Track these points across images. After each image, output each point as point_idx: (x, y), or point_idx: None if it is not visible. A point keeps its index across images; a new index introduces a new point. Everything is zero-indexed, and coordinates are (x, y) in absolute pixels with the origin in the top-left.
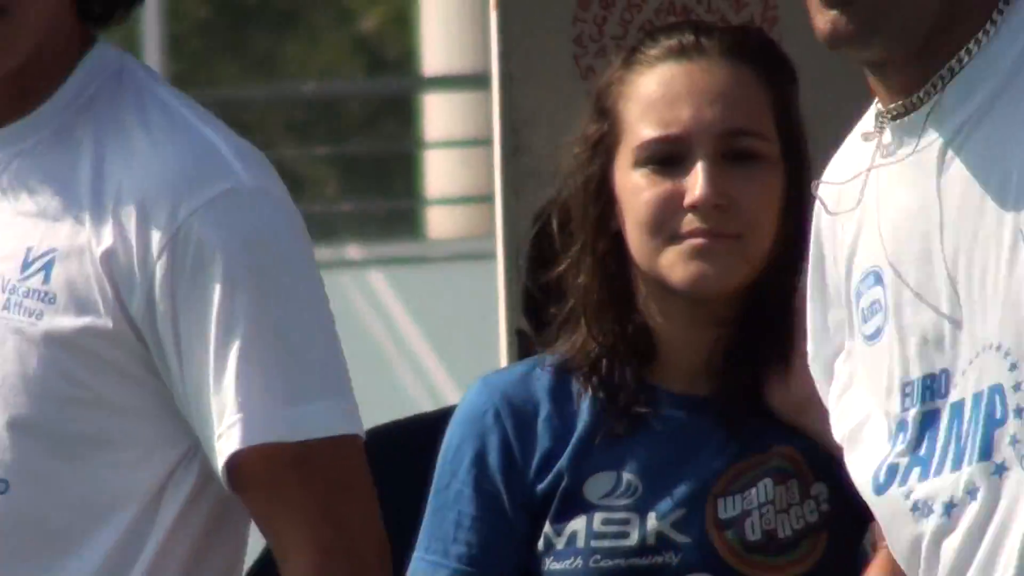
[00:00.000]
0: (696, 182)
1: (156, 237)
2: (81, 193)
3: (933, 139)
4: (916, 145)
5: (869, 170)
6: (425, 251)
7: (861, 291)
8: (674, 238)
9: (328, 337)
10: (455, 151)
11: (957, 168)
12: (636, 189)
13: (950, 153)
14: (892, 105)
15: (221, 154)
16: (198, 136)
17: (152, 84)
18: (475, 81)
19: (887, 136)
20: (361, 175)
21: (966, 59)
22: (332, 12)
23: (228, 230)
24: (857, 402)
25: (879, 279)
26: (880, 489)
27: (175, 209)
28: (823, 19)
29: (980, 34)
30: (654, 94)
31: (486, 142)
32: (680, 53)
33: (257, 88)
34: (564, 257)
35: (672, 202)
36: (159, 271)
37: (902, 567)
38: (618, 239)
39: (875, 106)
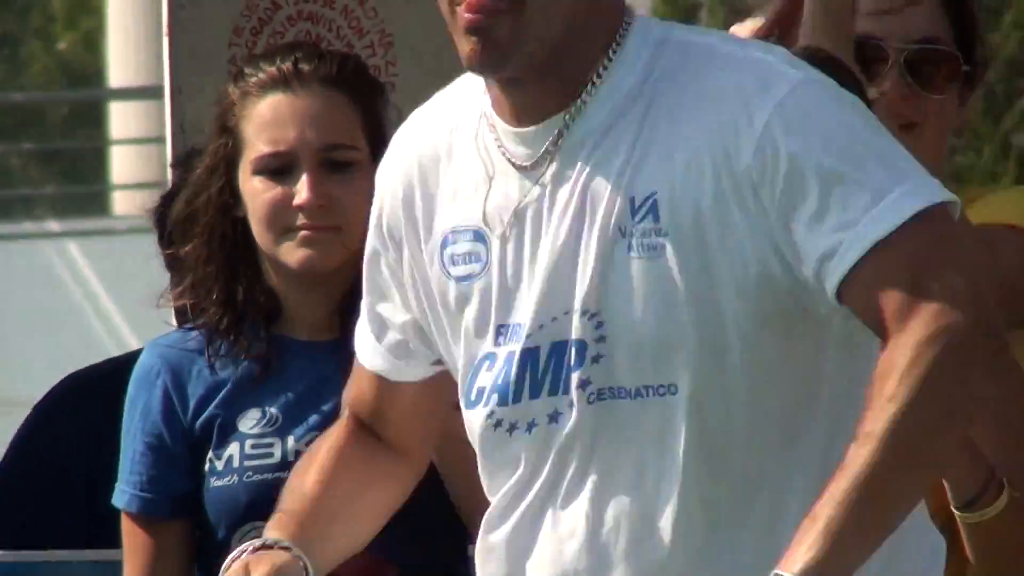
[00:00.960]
0: (303, 188)
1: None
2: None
3: (553, 150)
4: (539, 150)
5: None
6: (112, 226)
7: (451, 240)
8: (287, 231)
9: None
10: (136, 147)
11: (570, 175)
12: (255, 192)
13: (567, 164)
14: (520, 121)
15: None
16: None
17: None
18: (152, 92)
19: (507, 139)
20: (61, 166)
21: (586, 94)
22: (37, 35)
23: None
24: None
25: (481, 237)
26: (470, 405)
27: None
28: (465, 46)
29: (600, 68)
30: (266, 116)
31: (161, 140)
32: (284, 83)
33: None
34: (192, 239)
35: (284, 203)
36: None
37: (480, 458)
38: (244, 226)
39: (484, 118)
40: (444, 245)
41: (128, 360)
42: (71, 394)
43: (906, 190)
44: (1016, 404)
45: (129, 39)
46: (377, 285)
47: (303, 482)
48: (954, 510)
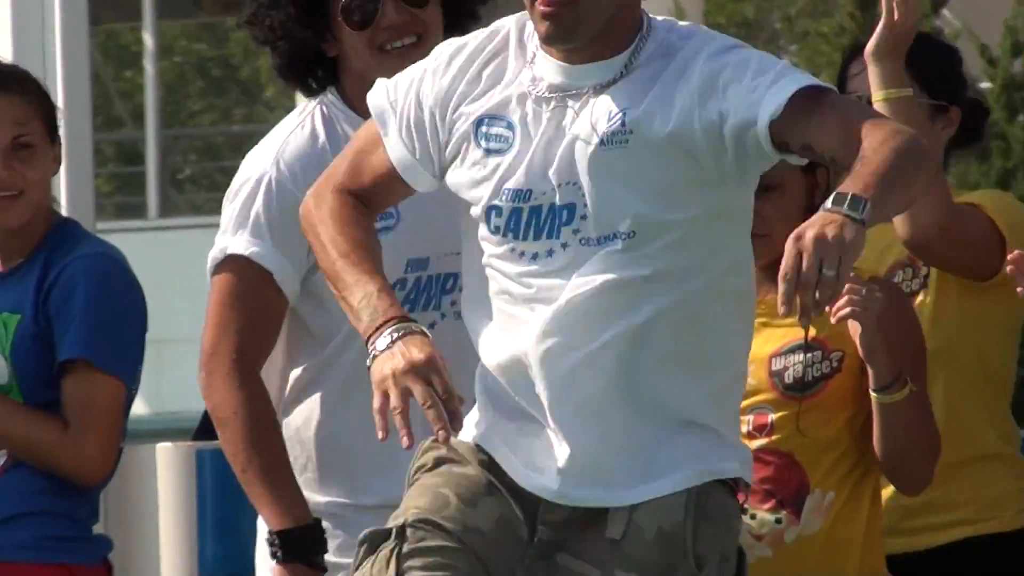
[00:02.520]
0: None
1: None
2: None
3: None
4: (578, 83)
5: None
6: None
7: (487, 122)
8: None
9: None
10: None
11: (587, 103)
12: None
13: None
14: (569, 60)
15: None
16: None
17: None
18: None
19: (552, 71)
20: None
21: (624, 55)
22: None
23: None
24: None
25: (511, 126)
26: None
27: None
28: (542, 26)
29: (630, 41)
30: None
31: None
32: None
33: None
34: None
35: None
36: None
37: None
38: None
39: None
40: (479, 123)
41: None
42: None
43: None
44: (903, 320)
45: None
46: (421, 119)
47: (356, 238)
48: (872, 393)
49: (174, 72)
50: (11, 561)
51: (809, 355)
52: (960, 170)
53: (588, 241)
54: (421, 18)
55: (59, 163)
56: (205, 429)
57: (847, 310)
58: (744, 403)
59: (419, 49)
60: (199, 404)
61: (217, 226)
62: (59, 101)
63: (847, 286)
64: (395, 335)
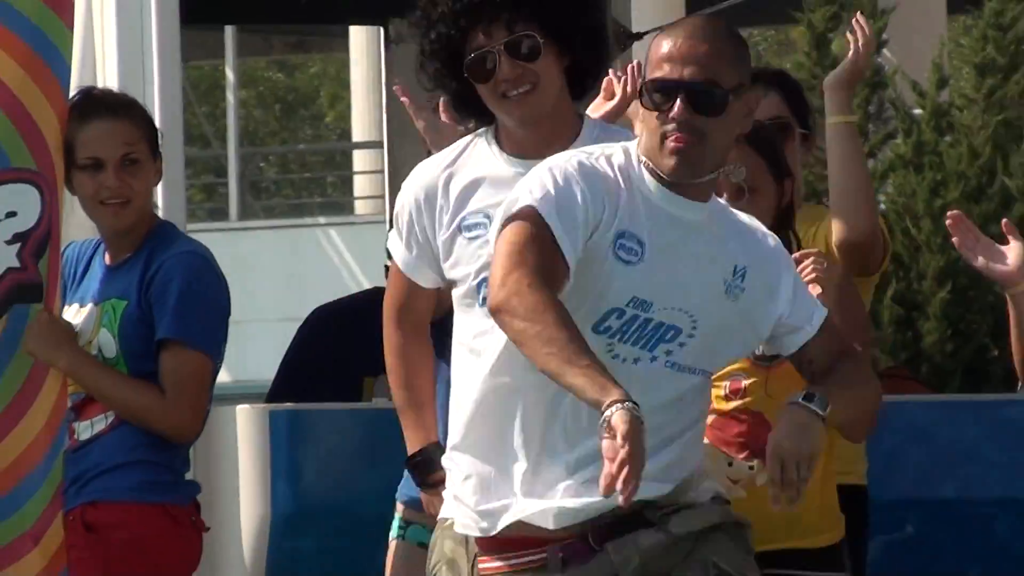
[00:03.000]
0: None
1: None
2: None
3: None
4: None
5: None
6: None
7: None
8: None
9: None
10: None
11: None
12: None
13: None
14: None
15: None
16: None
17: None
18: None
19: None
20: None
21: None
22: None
23: None
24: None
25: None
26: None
27: None
28: (668, 162)
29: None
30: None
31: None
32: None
33: None
34: None
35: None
36: None
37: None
38: None
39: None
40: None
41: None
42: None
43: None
44: (851, 296)
45: None
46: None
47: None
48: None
49: (252, 100)
50: (119, 501)
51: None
52: (898, 181)
53: (676, 366)
54: (533, 69)
55: (160, 176)
56: (275, 395)
57: (812, 276)
58: (722, 372)
59: (534, 95)
60: (271, 374)
61: (289, 227)
62: (157, 124)
63: (813, 256)
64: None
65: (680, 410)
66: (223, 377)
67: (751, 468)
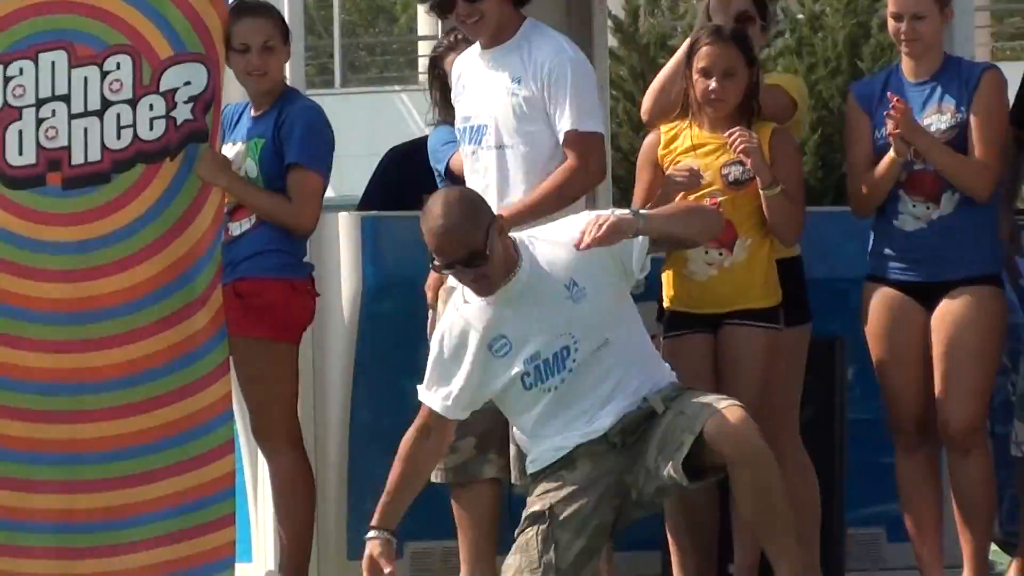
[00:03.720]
0: None
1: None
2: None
3: None
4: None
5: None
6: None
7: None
8: None
9: None
10: None
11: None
12: None
13: None
14: None
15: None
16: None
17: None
18: None
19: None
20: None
21: None
22: None
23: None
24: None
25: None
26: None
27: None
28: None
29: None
30: None
31: None
32: None
33: None
34: None
35: None
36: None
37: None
38: None
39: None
40: (492, 349)
41: (421, 140)
42: (397, 152)
43: None
44: (788, 156)
45: None
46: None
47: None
48: (760, 190)
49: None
50: (260, 277)
51: (741, 168)
52: (785, 63)
53: (586, 359)
54: (479, 8)
55: (288, 56)
56: (364, 205)
57: (742, 147)
58: (702, 192)
59: (481, 23)
60: (359, 191)
61: (374, 92)
62: (287, 19)
63: (738, 131)
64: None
65: (616, 363)
66: (328, 192)
67: (720, 255)
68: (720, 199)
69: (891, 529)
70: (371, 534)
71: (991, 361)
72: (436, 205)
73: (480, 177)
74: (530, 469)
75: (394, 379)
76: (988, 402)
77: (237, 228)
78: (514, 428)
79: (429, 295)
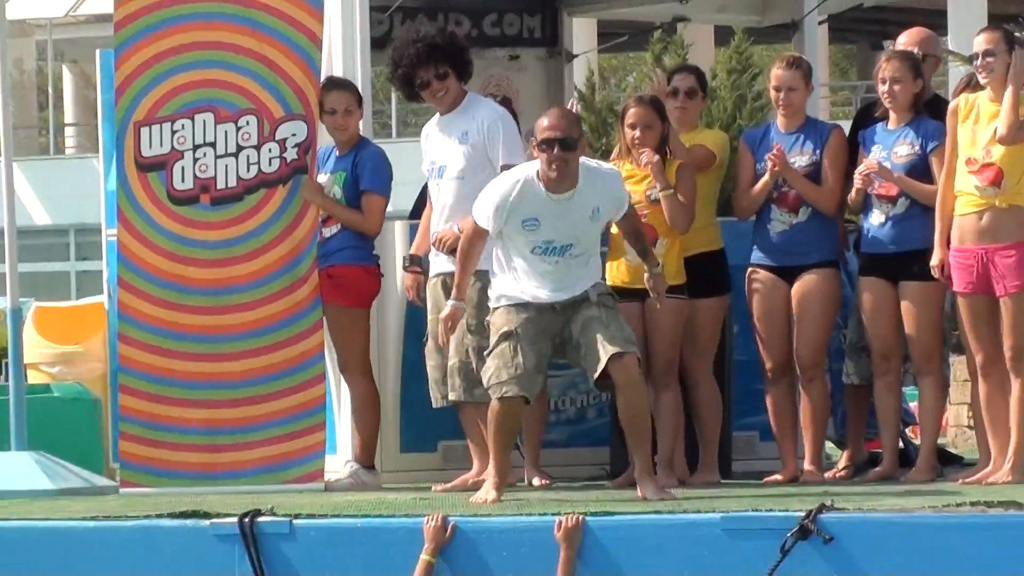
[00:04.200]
0: None
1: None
2: (470, 128)
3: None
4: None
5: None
6: None
7: (528, 220)
8: None
9: None
10: None
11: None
12: None
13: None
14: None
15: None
16: (490, 105)
17: (476, 96)
18: None
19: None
20: None
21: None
22: None
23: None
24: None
25: (536, 221)
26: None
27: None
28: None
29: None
30: None
31: None
32: None
33: None
34: None
35: None
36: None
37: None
38: None
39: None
40: (524, 222)
41: None
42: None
43: None
44: (686, 180)
45: None
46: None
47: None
48: (659, 193)
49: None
50: (344, 264)
51: (656, 191)
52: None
53: (575, 255)
54: (444, 84)
55: (361, 116)
56: (411, 217)
57: (646, 162)
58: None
59: (446, 95)
60: (408, 207)
61: (417, 142)
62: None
63: (646, 153)
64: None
65: (584, 265)
66: (388, 208)
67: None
68: (646, 212)
69: (762, 432)
70: (451, 303)
71: (830, 319)
72: (555, 110)
73: (439, 201)
74: (495, 304)
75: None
76: (827, 347)
77: (328, 232)
78: (495, 268)
79: (410, 295)
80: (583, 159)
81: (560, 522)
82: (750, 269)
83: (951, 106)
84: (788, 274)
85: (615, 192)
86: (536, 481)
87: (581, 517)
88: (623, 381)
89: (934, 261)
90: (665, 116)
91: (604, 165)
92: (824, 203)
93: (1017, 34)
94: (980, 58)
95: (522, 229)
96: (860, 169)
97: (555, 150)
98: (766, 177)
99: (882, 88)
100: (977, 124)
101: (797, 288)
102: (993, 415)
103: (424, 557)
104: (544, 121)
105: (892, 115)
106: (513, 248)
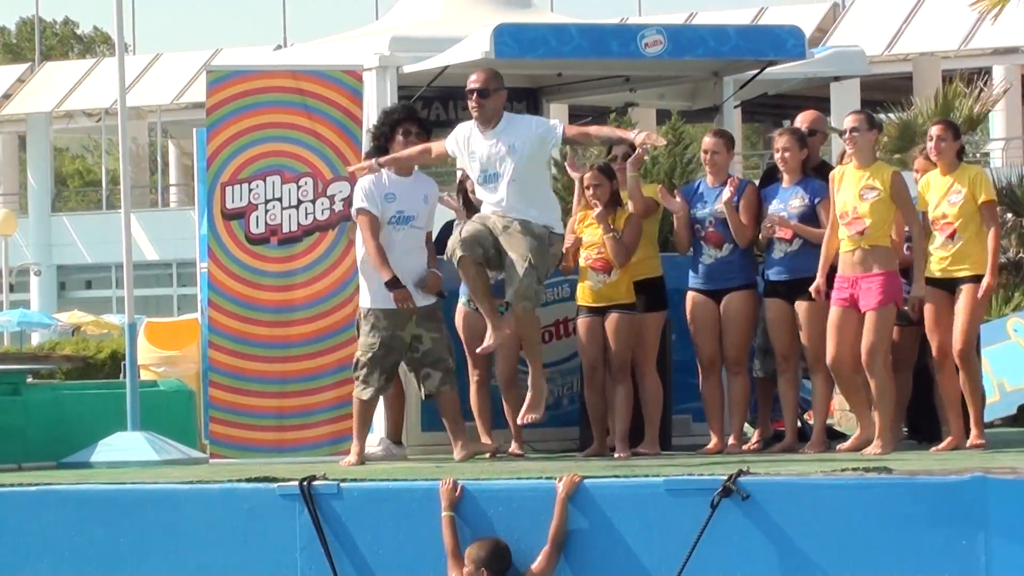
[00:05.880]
0: None
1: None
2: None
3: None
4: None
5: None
6: None
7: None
8: None
9: None
10: None
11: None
12: None
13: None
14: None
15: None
16: (527, 119)
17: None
18: None
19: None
20: None
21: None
22: None
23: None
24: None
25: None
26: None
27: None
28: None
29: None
30: None
31: None
32: None
33: None
34: None
35: None
36: None
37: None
38: None
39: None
40: (470, 155)
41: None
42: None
43: None
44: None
45: None
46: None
47: None
48: (604, 236)
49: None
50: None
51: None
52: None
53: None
54: (418, 142)
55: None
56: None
57: (596, 212)
58: (593, 247)
59: (423, 152)
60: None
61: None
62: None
63: (596, 212)
64: None
65: (516, 192)
66: None
67: (604, 276)
68: (602, 250)
69: (695, 415)
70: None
71: (750, 328)
72: (481, 70)
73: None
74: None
75: (449, 324)
76: (748, 349)
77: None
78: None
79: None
80: (515, 114)
81: (561, 477)
82: (689, 291)
83: (831, 175)
84: (716, 295)
85: (529, 132)
86: (514, 449)
87: (579, 476)
88: (519, 311)
89: (813, 287)
90: (615, 177)
91: (534, 118)
92: (742, 238)
93: (878, 116)
94: (848, 133)
95: (469, 161)
96: (766, 223)
97: (474, 96)
98: (685, 219)
99: (777, 156)
100: (841, 187)
101: (724, 305)
102: (855, 401)
103: (446, 513)
104: (471, 76)
105: (786, 176)
106: (471, 176)
